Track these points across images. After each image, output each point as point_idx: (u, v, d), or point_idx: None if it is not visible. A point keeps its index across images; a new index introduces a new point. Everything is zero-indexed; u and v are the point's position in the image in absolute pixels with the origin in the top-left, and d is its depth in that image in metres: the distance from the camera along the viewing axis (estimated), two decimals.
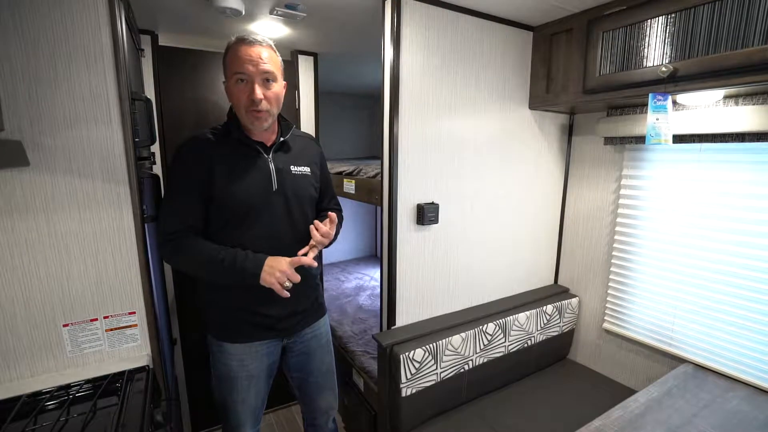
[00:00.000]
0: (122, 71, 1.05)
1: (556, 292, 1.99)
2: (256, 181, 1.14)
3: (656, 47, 1.27)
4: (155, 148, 1.80)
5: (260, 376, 1.24)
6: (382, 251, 1.54)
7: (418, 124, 1.47)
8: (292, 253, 1.14)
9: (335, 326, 2.36)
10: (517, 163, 1.80)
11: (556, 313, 1.89)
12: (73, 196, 1.04)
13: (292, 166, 1.22)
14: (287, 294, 1.08)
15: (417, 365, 1.44)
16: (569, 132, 1.95)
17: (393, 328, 1.54)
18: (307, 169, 1.27)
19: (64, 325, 1.08)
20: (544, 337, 1.86)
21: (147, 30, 1.70)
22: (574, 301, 1.96)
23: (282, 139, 1.21)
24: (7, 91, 0.93)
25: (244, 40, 1.08)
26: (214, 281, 1.15)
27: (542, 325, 1.85)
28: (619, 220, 1.77)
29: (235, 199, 1.11)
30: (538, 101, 1.74)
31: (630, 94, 1.36)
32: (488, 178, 1.71)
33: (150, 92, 1.75)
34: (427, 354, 1.46)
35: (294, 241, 1.20)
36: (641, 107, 1.54)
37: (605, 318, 1.86)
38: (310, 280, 1.29)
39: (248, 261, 1.08)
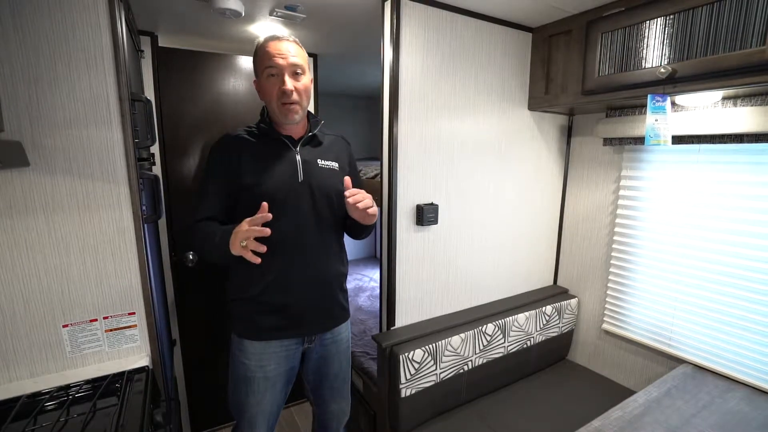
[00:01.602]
0: (122, 72, 1.05)
1: (555, 293, 1.99)
2: (282, 171, 1.16)
3: (655, 48, 1.28)
4: (155, 148, 1.80)
5: (278, 380, 1.22)
6: (381, 252, 1.54)
7: (418, 125, 1.47)
8: (316, 246, 1.19)
9: None
10: (516, 164, 1.81)
11: (556, 313, 1.89)
12: (72, 197, 1.04)
13: (319, 160, 1.23)
14: (257, 259, 1.02)
15: (416, 366, 1.44)
16: (568, 133, 1.96)
17: (392, 329, 1.54)
18: (335, 165, 1.26)
19: (64, 326, 1.08)
20: (543, 338, 1.87)
21: (147, 31, 1.70)
22: (574, 301, 1.96)
23: (311, 133, 1.23)
24: (7, 92, 0.93)
25: (272, 37, 1.13)
26: (218, 260, 1.13)
27: (541, 326, 1.85)
28: (618, 220, 1.77)
29: (261, 188, 1.13)
30: (537, 102, 1.74)
31: (629, 95, 1.37)
32: (488, 179, 1.71)
33: (150, 93, 1.75)
34: (426, 355, 1.46)
35: (318, 232, 1.20)
36: (640, 108, 1.54)
37: (604, 319, 1.87)
38: (336, 279, 1.26)
39: (225, 234, 1.06)
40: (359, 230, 1.30)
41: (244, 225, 1.03)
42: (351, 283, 3.09)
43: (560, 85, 1.63)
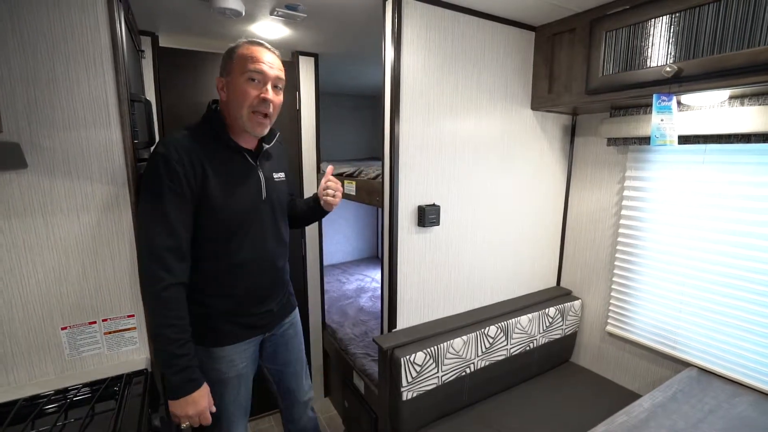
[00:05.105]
0: (121, 73, 1.04)
1: (558, 295, 1.97)
2: (248, 190, 1.13)
3: (660, 47, 1.26)
4: None
5: (248, 373, 1.25)
6: (382, 253, 1.53)
7: (419, 125, 1.46)
8: (275, 253, 1.22)
9: (336, 328, 2.35)
10: (519, 165, 1.79)
11: (559, 315, 1.87)
12: (71, 199, 1.03)
13: (273, 173, 1.23)
14: (184, 426, 1.05)
15: (418, 368, 1.43)
16: (572, 133, 1.94)
17: (394, 330, 1.53)
18: (283, 175, 1.27)
19: (63, 328, 1.07)
20: (546, 340, 1.85)
21: (147, 31, 1.70)
22: (577, 303, 1.94)
23: (266, 146, 1.18)
24: (5, 92, 0.93)
25: (257, 42, 1.08)
26: (157, 339, 1.01)
27: (544, 328, 1.83)
28: (622, 221, 1.75)
29: (230, 210, 1.08)
30: (540, 102, 1.72)
31: (634, 94, 1.35)
32: (490, 180, 1.70)
33: (150, 93, 1.74)
34: (428, 357, 1.45)
35: (276, 242, 1.23)
36: (645, 108, 1.52)
37: (608, 321, 1.84)
38: (287, 275, 1.33)
39: (186, 372, 0.99)
40: (311, 220, 1.43)
41: (204, 405, 1.03)
42: (353, 284, 3.08)
43: (564, 84, 1.61)
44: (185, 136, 1.05)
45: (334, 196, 1.28)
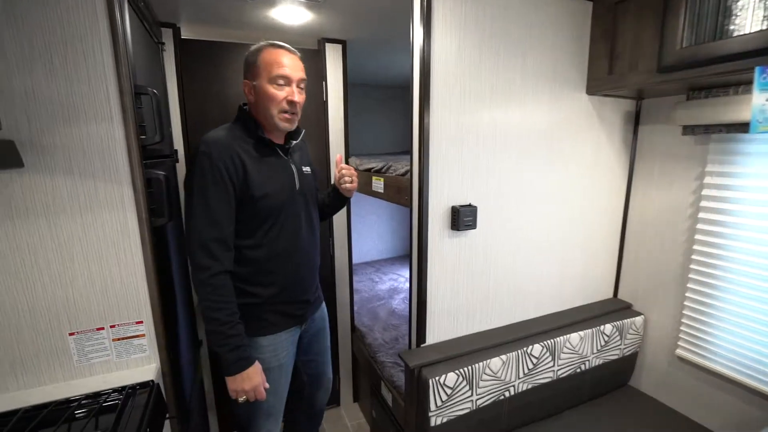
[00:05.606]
0: (123, 63, 0.96)
1: (615, 308, 1.71)
2: (283, 182, 1.21)
3: (765, 4, 0.98)
4: (179, 144, 1.75)
5: (288, 364, 1.32)
6: (411, 259, 1.37)
7: (453, 115, 1.28)
8: (309, 244, 1.28)
9: (365, 332, 2.23)
10: (569, 158, 1.55)
11: (616, 333, 1.62)
12: (74, 199, 0.97)
13: (302, 167, 1.30)
14: (241, 400, 1.16)
15: (449, 391, 1.26)
16: (635, 120, 1.66)
17: (422, 346, 1.37)
18: (309, 169, 1.34)
19: (70, 334, 1.03)
20: (600, 361, 1.61)
21: (168, 23, 1.64)
22: (639, 319, 1.67)
23: (294, 141, 1.27)
24: (2, 85, 0.87)
25: (279, 46, 1.15)
26: (210, 322, 1.12)
27: (599, 348, 1.59)
28: (700, 226, 1.46)
29: (269, 200, 1.16)
30: (597, 84, 1.47)
31: (724, 69, 1.08)
32: (536, 176, 1.48)
33: (173, 86, 1.69)
34: (460, 378, 1.28)
35: (310, 232, 1.30)
36: (737, 87, 1.23)
37: (679, 343, 1.56)
38: (318, 266, 1.39)
39: (239, 350, 1.11)
40: (337, 208, 1.48)
41: (258, 380, 1.15)
42: (386, 284, 2.95)
43: (628, 62, 1.35)
44: (224, 135, 1.14)
45: (351, 182, 1.35)
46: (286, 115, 1.16)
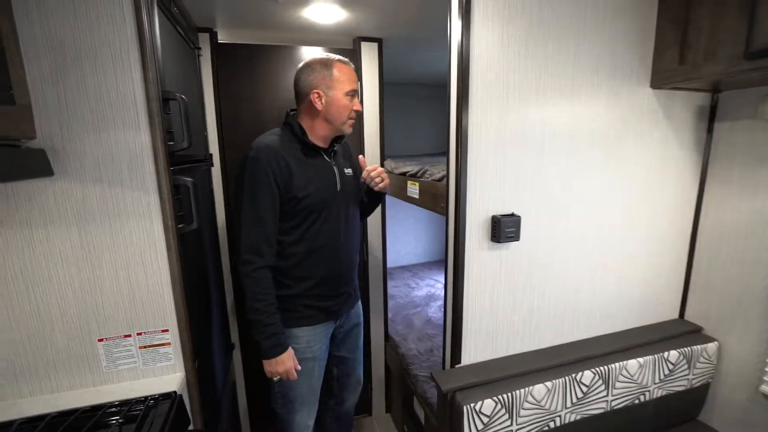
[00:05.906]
0: (150, 68, 0.94)
1: (682, 332, 1.50)
2: (326, 183, 1.28)
3: None
4: (214, 149, 1.76)
5: (322, 357, 1.39)
6: (446, 273, 1.27)
7: (495, 114, 1.16)
8: (348, 243, 1.35)
9: (399, 341, 2.14)
10: (629, 161, 1.37)
11: (683, 361, 1.41)
12: (103, 206, 0.97)
13: (344, 169, 1.36)
14: (276, 380, 1.28)
15: (485, 420, 1.14)
16: (710, 117, 1.44)
17: (457, 366, 1.26)
18: (351, 171, 1.40)
19: (99, 340, 1.04)
20: (664, 392, 1.41)
21: (205, 28, 1.65)
22: (712, 346, 1.45)
23: (336, 145, 1.34)
24: (37, 95, 0.88)
25: (346, 62, 1.27)
26: (251, 311, 1.22)
27: (662, 377, 1.39)
28: None
29: (311, 199, 1.23)
30: (665, 77, 1.29)
31: None
32: (589, 182, 1.32)
33: (209, 90, 1.70)
34: (499, 406, 1.15)
35: (351, 234, 1.37)
36: None
37: (765, 378, 1.33)
38: (356, 265, 1.45)
39: (274, 338, 1.21)
40: (374, 206, 1.53)
41: (290, 364, 1.24)
42: (423, 290, 2.85)
43: (704, 50, 1.16)
44: (272, 141, 1.22)
45: (382, 180, 1.36)
46: (352, 121, 1.30)
